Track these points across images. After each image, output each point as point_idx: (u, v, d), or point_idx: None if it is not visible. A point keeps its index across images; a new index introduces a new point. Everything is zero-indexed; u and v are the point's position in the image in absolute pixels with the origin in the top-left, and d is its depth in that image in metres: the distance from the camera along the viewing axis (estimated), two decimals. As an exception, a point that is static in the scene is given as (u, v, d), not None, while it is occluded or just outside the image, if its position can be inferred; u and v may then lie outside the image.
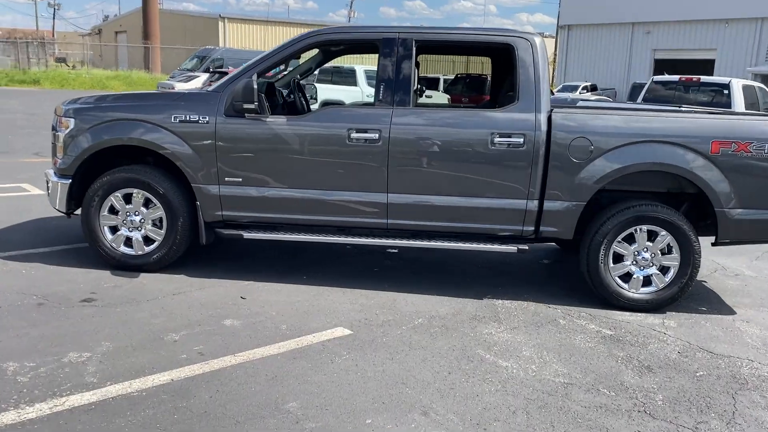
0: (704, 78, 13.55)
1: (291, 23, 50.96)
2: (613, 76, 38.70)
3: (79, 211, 5.20)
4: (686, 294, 4.87)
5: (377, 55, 4.94)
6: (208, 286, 4.89)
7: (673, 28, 36.69)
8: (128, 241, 5.12)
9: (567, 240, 4.99)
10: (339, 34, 5.04)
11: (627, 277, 4.88)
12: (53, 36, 65.05)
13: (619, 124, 4.75)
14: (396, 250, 5.89)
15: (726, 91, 12.87)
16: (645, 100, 13.58)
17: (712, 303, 5.16)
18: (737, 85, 12.86)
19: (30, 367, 3.45)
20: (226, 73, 18.83)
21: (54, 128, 5.25)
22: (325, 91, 15.73)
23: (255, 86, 4.66)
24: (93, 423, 2.96)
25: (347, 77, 17.35)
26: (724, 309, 5.03)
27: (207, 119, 4.88)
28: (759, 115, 6.05)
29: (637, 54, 38.35)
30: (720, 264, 6.28)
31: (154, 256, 5.08)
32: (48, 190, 5.24)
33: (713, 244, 4.92)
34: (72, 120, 5.08)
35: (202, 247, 5.11)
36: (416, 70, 4.98)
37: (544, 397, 3.45)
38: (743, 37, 33.99)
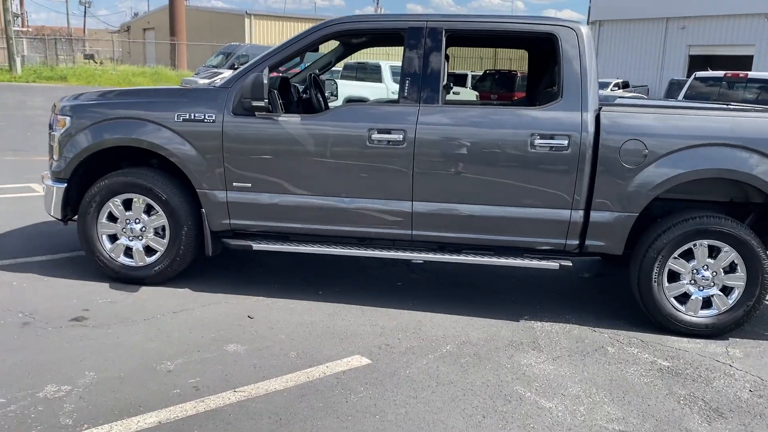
0: (752, 74, 12.76)
1: (317, 20, 50.53)
2: (646, 72, 37.58)
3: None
4: (752, 318, 4.27)
5: (402, 48, 4.42)
6: (213, 302, 4.42)
7: (710, 23, 35.47)
8: (128, 251, 4.68)
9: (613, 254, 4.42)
10: (360, 24, 4.52)
11: (684, 298, 4.30)
12: (84, 33, 65.62)
13: (678, 125, 4.16)
14: (421, 261, 5.37)
15: (775, 88, 12.10)
16: (686, 98, 12.84)
17: (780, 327, 4.55)
18: (788, 82, 12.09)
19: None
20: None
21: (51, 126, 4.82)
22: (349, 88, 15.24)
23: (265, 81, 4.17)
24: (61, 479, 2.50)
25: (372, 73, 16.84)
26: (795, 335, 4.43)
27: (213, 118, 4.40)
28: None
29: (671, 50, 37.17)
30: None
31: (156, 268, 4.62)
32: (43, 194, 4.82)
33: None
34: (68, 118, 4.64)
35: (210, 259, 4.64)
36: (446, 64, 4.45)
37: (597, 449, 2.90)
38: (784, 32, 32.69)
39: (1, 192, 7.47)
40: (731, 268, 4.21)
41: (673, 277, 4.29)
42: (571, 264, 4.33)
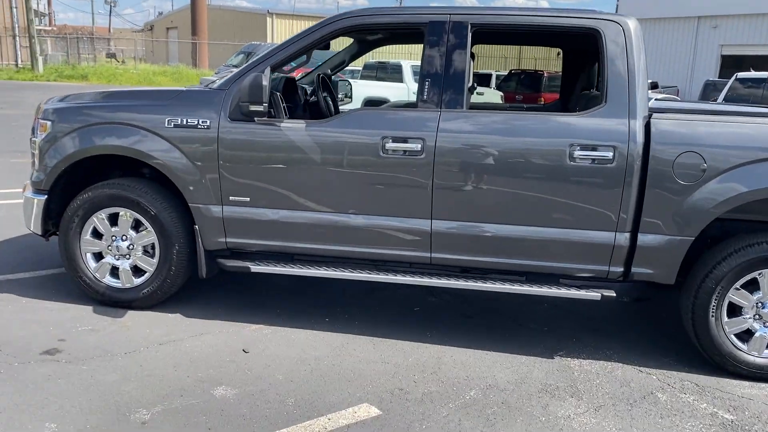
0: (799, 75, 12.01)
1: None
2: (676, 73, 36.50)
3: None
4: (827, 360, 3.67)
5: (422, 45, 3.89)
6: (205, 331, 3.92)
7: (743, 22, 34.33)
8: (115, 271, 4.20)
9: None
10: (374, 17, 3.98)
11: (747, 335, 3.70)
12: (109, 32, 66.04)
13: (744, 134, 3.57)
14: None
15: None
16: (727, 100, 12.12)
17: None
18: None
19: (-63, 465, 2.53)
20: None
21: (33, 131, 4.36)
22: (369, 88, 14.72)
23: (265, 83, 3.66)
24: None
25: (393, 73, 16.30)
26: None
27: (208, 123, 3.90)
28: None
29: (702, 50, 36.07)
30: None
31: (145, 291, 4.14)
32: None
33: None
34: (49, 122, 4.18)
35: (205, 279, 4.14)
36: (471, 63, 3.90)
37: None
38: (822, 32, 31.54)
39: (2, 197, 7.06)
40: (803, 302, 3.62)
41: (734, 310, 3.70)
42: (614, 294, 3.75)
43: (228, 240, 4.02)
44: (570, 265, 3.77)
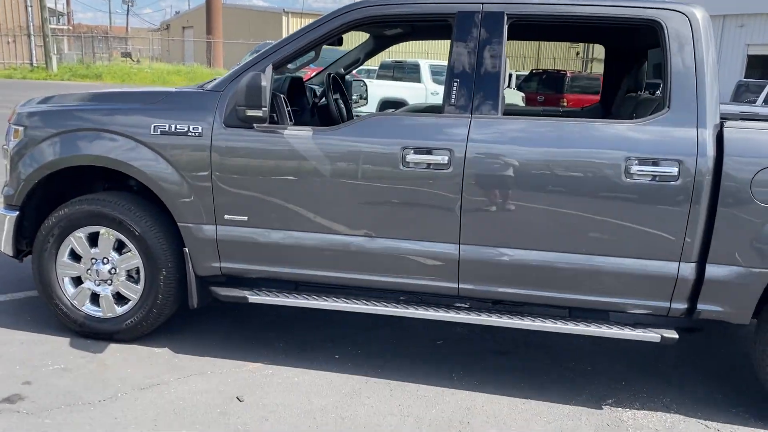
0: None
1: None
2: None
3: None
4: None
5: (449, 41, 3.33)
6: (195, 371, 3.38)
7: (771, 21, 33.36)
8: (95, 299, 3.68)
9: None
10: (392, 7, 3.40)
11: (836, 386, 3.11)
12: (126, 32, 66.10)
13: (839, 147, 2.97)
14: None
15: None
16: None
17: None
18: None
19: None
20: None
21: (6, 138, 3.85)
22: (385, 88, 14.15)
23: (264, 83, 3.11)
24: None
25: (411, 73, 15.71)
26: None
27: (200, 130, 3.36)
28: None
29: (728, 49, 35.04)
30: None
31: (128, 322, 3.61)
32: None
33: None
34: (22, 128, 3.66)
35: (198, 309, 3.61)
36: (507, 61, 3.33)
37: None
38: None
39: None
40: None
41: (822, 356, 3.10)
42: (676, 337, 3.16)
43: (223, 265, 3.48)
44: (623, 300, 3.19)
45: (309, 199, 3.32)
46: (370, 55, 4.84)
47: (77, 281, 3.69)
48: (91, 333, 3.67)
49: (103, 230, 3.56)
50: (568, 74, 19.01)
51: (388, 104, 13.78)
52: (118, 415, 2.93)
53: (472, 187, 3.15)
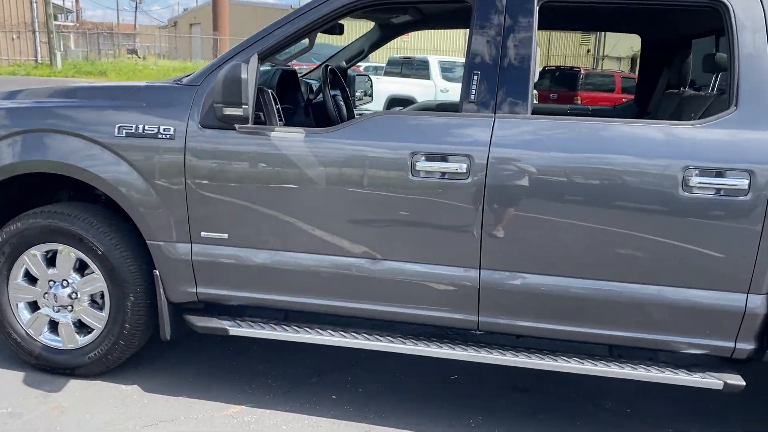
0: None
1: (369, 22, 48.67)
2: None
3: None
4: None
5: (463, 30, 2.80)
6: (167, 416, 2.86)
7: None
8: (55, 327, 3.17)
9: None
10: (401, -13, 2.89)
11: None
12: (135, 29, 65.83)
13: None
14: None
15: None
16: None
17: None
18: None
19: None
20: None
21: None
22: (393, 85, 13.62)
23: (244, 75, 2.59)
24: None
25: (419, 69, 15.16)
26: None
27: (171, 131, 2.84)
28: None
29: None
30: None
31: (92, 354, 3.10)
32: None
33: None
34: (-31, 129, 3.15)
35: (173, 340, 3.09)
36: (538, 51, 2.79)
37: None
38: None
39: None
40: None
41: None
42: (743, 384, 2.62)
43: (200, 290, 2.96)
44: (676, 338, 2.64)
45: (301, 213, 2.79)
46: (375, 46, 4.31)
47: (33, 306, 3.18)
48: (49, 367, 3.16)
49: (61, 248, 3.05)
50: (582, 71, 18.41)
51: (396, 102, 13.27)
52: (65, 479, 2.42)
53: (496, 200, 2.61)
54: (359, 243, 2.77)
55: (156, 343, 3.19)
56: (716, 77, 3.68)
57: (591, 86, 18.55)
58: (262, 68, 3.07)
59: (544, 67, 20.29)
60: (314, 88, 3.84)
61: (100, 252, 2.97)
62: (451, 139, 2.66)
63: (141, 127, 2.86)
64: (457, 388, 3.27)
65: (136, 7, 74.63)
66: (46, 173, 3.00)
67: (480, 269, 2.69)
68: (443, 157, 2.64)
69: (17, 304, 3.16)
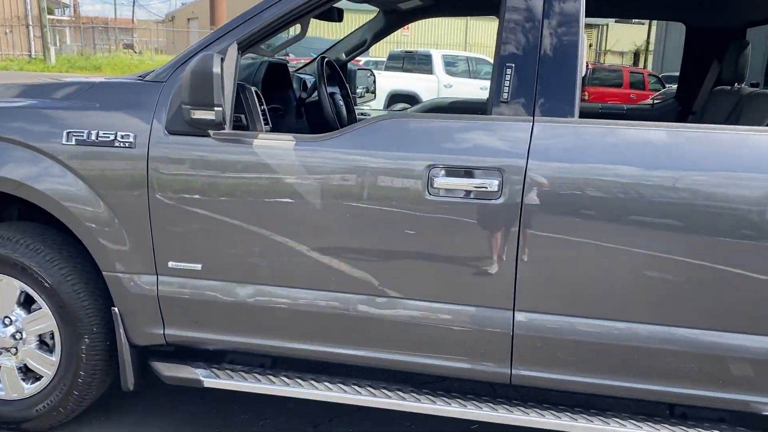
0: None
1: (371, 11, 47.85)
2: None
3: None
4: None
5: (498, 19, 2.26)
6: (127, 488, 2.33)
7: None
8: (-4, 371, 2.64)
9: None
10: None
11: None
12: (132, 23, 65.21)
13: None
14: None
15: None
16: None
17: None
18: None
19: None
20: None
21: None
22: (394, 80, 13.06)
23: (216, 70, 2.05)
24: None
25: (421, 64, 14.60)
26: None
27: (131, 139, 2.30)
28: None
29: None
30: None
31: (40, 407, 2.56)
32: None
33: None
34: None
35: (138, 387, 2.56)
36: (585, 41, 2.24)
37: None
38: None
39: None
40: None
41: None
42: None
43: (168, 332, 2.43)
44: (760, 399, 2.11)
45: (292, 240, 2.26)
46: (379, 36, 3.77)
47: (-29, 347, 2.65)
48: (-10, 420, 2.63)
49: (2, 279, 2.52)
50: (589, 66, 17.87)
51: (397, 97, 12.73)
52: None
53: (536, 225, 2.08)
54: (364, 276, 2.23)
55: (117, 391, 2.64)
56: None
57: (598, 81, 18.03)
58: (245, 61, 2.54)
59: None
60: (309, 85, 3.30)
61: (47, 284, 2.43)
62: (477, 148, 2.12)
63: (94, 133, 2.32)
64: (480, 442, 2.74)
65: (134, 2, 73.98)
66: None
67: (514, 311, 2.16)
68: (468, 172, 2.10)
69: (-49, 345, 2.63)
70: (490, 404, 2.26)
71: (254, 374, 2.41)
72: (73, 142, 2.33)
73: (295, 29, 2.48)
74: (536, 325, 2.16)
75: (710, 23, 3.47)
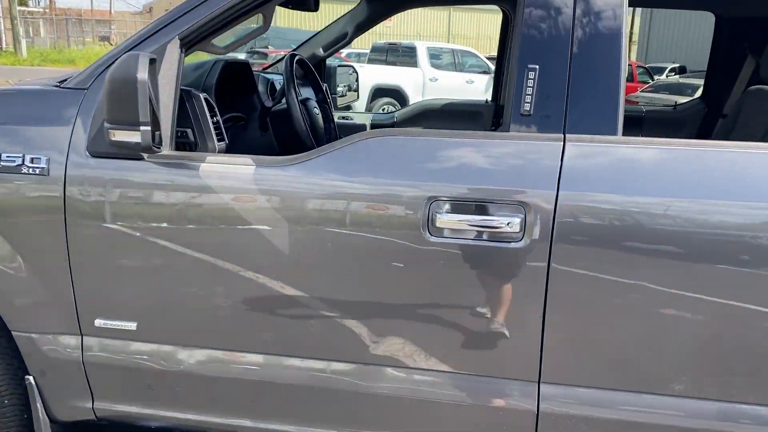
0: None
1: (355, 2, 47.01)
2: (705, 56, 33.86)
3: None
4: None
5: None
6: None
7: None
8: None
9: None
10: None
11: None
12: (110, 15, 63.89)
13: None
14: None
15: None
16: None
17: None
18: None
19: None
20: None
21: None
22: (378, 74, 12.53)
23: (142, 75, 1.53)
24: None
25: (405, 57, 14.05)
26: None
27: (43, 163, 1.77)
28: None
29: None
30: None
31: (-60, 496, 2.05)
32: None
33: None
34: None
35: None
36: (627, 36, 1.74)
37: None
38: None
39: None
40: None
41: None
42: None
43: (98, 405, 1.92)
44: None
45: (251, 294, 1.75)
46: (362, 28, 3.25)
47: None
48: None
49: None
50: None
51: (381, 92, 12.21)
52: None
53: (570, 276, 1.59)
54: (347, 340, 1.74)
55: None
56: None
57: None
58: (194, 60, 2.03)
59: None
60: (278, 88, 2.77)
61: (-58, 347, 1.91)
62: (493, 175, 1.62)
63: (-5, 155, 1.79)
64: None
65: (110, -7, 72.74)
66: None
67: (540, 383, 1.67)
68: (481, 207, 1.61)
69: None
70: (509, 500, 1.77)
71: (208, 459, 1.91)
72: (-31, 168, 1.80)
73: (257, 21, 1.95)
74: (567, 400, 1.67)
75: (745, 12, 3.00)
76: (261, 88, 2.60)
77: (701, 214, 1.52)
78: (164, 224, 1.73)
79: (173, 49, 1.74)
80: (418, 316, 1.70)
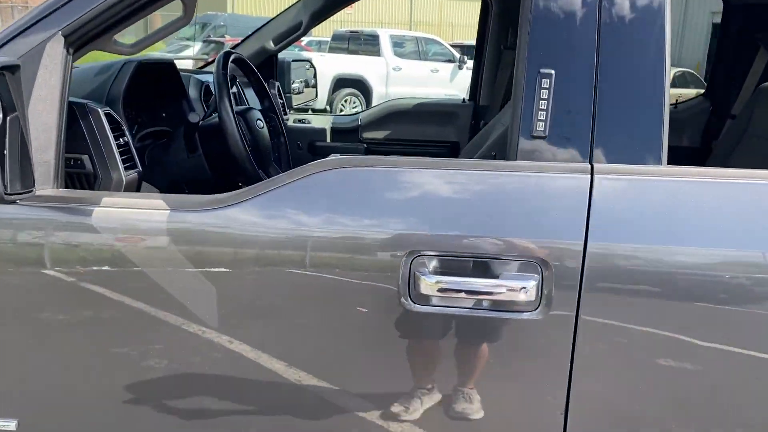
0: None
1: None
2: (692, 56, 33.87)
3: None
4: None
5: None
6: None
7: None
8: None
9: None
10: None
11: None
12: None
13: None
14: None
15: None
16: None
17: None
18: None
19: None
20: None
21: None
22: (339, 64, 12.02)
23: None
24: None
25: (368, 44, 13.54)
26: None
27: None
28: None
29: (692, 21, 33.73)
30: None
31: None
32: None
33: None
34: None
35: None
36: (669, 38, 1.30)
37: None
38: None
39: None
40: None
41: None
42: None
43: None
44: None
45: (167, 380, 1.29)
46: (318, 17, 2.78)
47: None
48: None
49: None
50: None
51: (343, 82, 11.72)
52: None
53: (603, 356, 1.17)
54: (299, 436, 1.29)
55: None
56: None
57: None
58: (97, 62, 1.54)
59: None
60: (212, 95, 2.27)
61: None
62: (496, 221, 1.19)
63: None
64: None
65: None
66: None
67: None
68: (482, 266, 1.17)
69: None
70: None
71: None
72: None
73: (175, 8, 1.47)
74: None
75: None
76: (193, 93, 2.10)
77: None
78: (45, 288, 1.26)
79: (55, 49, 1.26)
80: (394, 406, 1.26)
